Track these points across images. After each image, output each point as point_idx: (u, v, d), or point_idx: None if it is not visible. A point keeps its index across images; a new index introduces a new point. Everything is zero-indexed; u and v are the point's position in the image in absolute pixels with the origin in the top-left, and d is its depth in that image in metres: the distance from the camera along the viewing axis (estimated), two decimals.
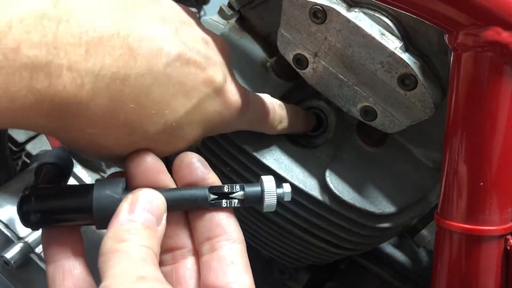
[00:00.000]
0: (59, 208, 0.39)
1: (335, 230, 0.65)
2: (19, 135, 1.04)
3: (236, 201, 0.42)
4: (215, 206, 0.41)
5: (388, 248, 0.87)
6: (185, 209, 0.42)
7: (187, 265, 0.43)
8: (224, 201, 0.41)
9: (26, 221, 0.39)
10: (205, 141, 0.66)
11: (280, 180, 0.63)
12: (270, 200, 0.42)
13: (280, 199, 0.43)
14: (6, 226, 0.77)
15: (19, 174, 0.92)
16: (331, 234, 0.66)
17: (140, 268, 0.35)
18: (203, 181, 0.42)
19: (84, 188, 0.39)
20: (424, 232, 0.67)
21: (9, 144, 0.98)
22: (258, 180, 0.44)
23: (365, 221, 0.62)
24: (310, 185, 0.62)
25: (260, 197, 0.42)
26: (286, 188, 0.43)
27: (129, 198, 0.39)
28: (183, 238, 0.43)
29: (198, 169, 0.42)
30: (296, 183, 0.62)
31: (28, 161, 1.04)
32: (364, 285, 0.92)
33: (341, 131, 0.65)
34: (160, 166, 0.42)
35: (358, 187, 0.62)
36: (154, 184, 0.41)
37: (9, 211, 0.79)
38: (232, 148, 0.64)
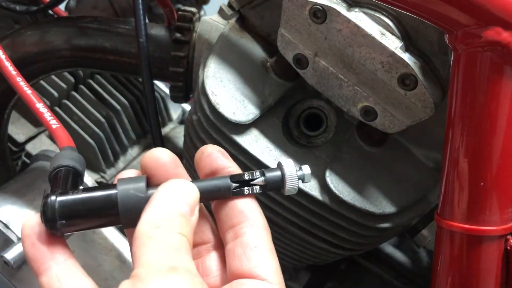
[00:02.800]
0: (84, 213, 0.38)
1: (335, 230, 0.65)
2: (19, 135, 1.04)
3: (258, 187, 0.42)
4: (238, 194, 0.41)
5: (388, 248, 0.87)
6: (209, 200, 0.42)
7: (212, 257, 0.43)
8: (246, 188, 0.41)
9: (52, 228, 0.38)
10: (205, 140, 0.66)
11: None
12: (291, 183, 0.42)
13: (301, 180, 0.43)
14: (6, 226, 0.77)
15: (19, 174, 0.92)
16: (331, 234, 0.66)
17: (173, 258, 0.35)
18: (223, 171, 0.42)
19: (107, 189, 0.39)
20: (424, 232, 0.67)
21: (9, 144, 0.98)
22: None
23: (365, 221, 0.62)
24: (310, 185, 0.62)
25: (281, 181, 0.42)
26: (306, 170, 0.43)
27: (164, 187, 0.39)
28: (207, 234, 0.43)
29: (219, 158, 0.42)
30: None
31: (28, 161, 1.04)
32: (364, 285, 0.91)
33: (341, 131, 0.65)
34: (178, 161, 0.42)
35: (358, 187, 0.62)
36: (174, 177, 0.41)
37: (9, 211, 0.79)
38: (232, 148, 0.64)
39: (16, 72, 0.60)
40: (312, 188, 0.62)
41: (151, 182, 0.41)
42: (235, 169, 0.43)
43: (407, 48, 0.53)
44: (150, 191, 0.39)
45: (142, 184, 0.39)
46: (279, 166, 0.43)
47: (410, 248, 0.88)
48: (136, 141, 1.11)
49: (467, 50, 0.45)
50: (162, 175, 0.41)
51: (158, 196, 0.38)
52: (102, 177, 1.02)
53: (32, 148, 1.05)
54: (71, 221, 0.38)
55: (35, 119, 1.06)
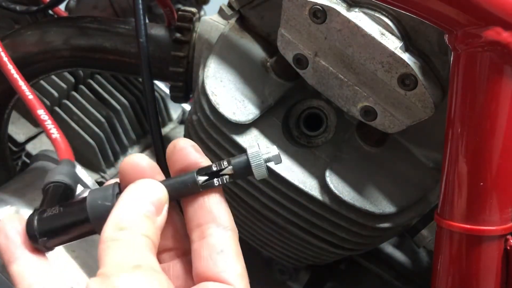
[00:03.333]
0: (61, 228, 0.41)
1: (335, 230, 0.65)
2: (19, 135, 1.04)
3: (227, 176, 0.41)
4: (208, 188, 0.41)
5: (388, 248, 0.87)
6: (179, 197, 0.42)
7: (180, 261, 0.43)
8: (215, 180, 0.41)
9: (36, 244, 0.41)
10: (205, 140, 0.66)
11: (280, 180, 0.63)
12: (258, 166, 0.41)
13: (269, 162, 0.42)
14: None
15: (19, 174, 0.92)
16: (331, 234, 0.66)
17: (137, 257, 0.35)
18: (196, 166, 0.42)
19: (80, 202, 0.41)
20: (424, 232, 0.67)
21: (9, 144, 0.98)
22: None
23: (365, 221, 0.62)
24: (310, 185, 0.62)
25: (248, 166, 0.41)
26: (273, 150, 0.42)
27: (130, 188, 0.39)
28: (181, 240, 0.43)
29: (191, 153, 0.42)
30: (296, 183, 0.62)
31: (28, 161, 1.04)
32: (364, 285, 0.91)
33: (341, 131, 0.65)
34: (156, 167, 0.42)
35: (358, 187, 0.62)
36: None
37: (9, 211, 0.79)
38: (232, 148, 0.64)
39: (18, 76, 0.60)
40: (312, 188, 0.62)
41: (125, 185, 0.41)
42: (207, 164, 0.42)
43: (407, 48, 0.53)
44: (118, 197, 0.40)
45: (109, 192, 0.41)
46: (245, 152, 0.42)
47: (410, 248, 0.87)
48: (136, 141, 1.11)
49: (467, 50, 0.45)
50: (134, 177, 0.41)
51: (123, 198, 0.39)
52: (102, 177, 1.02)
53: (32, 148, 1.04)
54: (51, 236, 0.41)
55: (35, 119, 1.06)
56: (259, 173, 0.41)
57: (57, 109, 1.04)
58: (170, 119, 1.21)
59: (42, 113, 0.54)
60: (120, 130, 1.07)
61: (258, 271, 0.90)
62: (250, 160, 0.41)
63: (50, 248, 0.42)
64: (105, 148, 1.03)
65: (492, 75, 0.44)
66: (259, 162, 0.41)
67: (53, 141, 0.52)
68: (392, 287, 0.87)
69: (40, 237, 0.40)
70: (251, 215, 0.70)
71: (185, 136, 0.75)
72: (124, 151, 1.08)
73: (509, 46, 0.43)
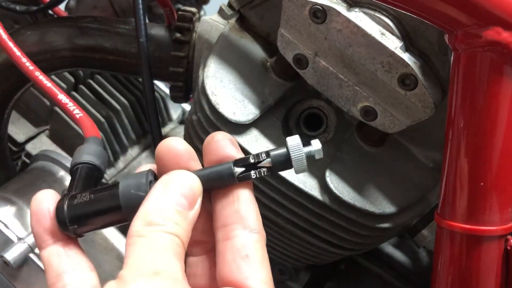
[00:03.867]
0: (92, 215, 0.40)
1: (335, 230, 0.65)
2: (19, 135, 1.04)
3: (265, 169, 0.39)
4: (245, 180, 0.39)
5: (388, 248, 0.87)
6: (211, 188, 0.40)
7: (206, 257, 0.42)
8: (252, 172, 0.39)
9: (65, 230, 0.40)
10: None
11: (280, 180, 0.63)
12: (298, 160, 0.39)
13: (310, 157, 0.40)
14: (6, 226, 0.77)
15: (19, 174, 0.92)
16: (331, 234, 0.66)
17: (159, 261, 0.34)
18: (230, 159, 0.40)
19: (112, 188, 0.39)
20: (424, 232, 0.67)
21: (9, 144, 0.98)
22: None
23: (365, 221, 0.62)
24: (310, 185, 0.62)
25: (287, 159, 0.39)
26: (316, 144, 0.40)
27: (163, 179, 0.38)
28: (211, 234, 0.41)
29: (226, 146, 0.40)
30: (296, 183, 0.62)
31: (28, 161, 1.04)
32: (364, 285, 0.91)
33: (341, 131, 0.65)
34: (193, 153, 0.40)
35: (358, 187, 0.62)
36: (186, 169, 0.39)
37: (9, 211, 0.79)
38: None
39: (34, 67, 0.61)
40: (312, 188, 0.62)
41: (162, 174, 0.40)
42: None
43: (407, 48, 0.53)
44: (152, 186, 0.39)
45: (143, 181, 0.39)
46: (286, 145, 0.40)
47: (410, 248, 0.87)
48: (136, 141, 1.11)
49: (467, 50, 0.45)
50: (173, 167, 0.40)
51: (154, 190, 0.37)
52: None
53: (32, 148, 1.04)
54: (81, 224, 0.40)
55: (35, 119, 1.06)
56: (299, 167, 0.39)
57: (57, 109, 1.04)
58: (170, 119, 1.21)
59: (63, 98, 0.54)
60: (120, 130, 1.07)
61: None
62: (291, 153, 0.39)
63: (80, 235, 0.41)
64: (105, 148, 1.03)
65: (492, 75, 0.44)
66: (300, 155, 0.39)
67: (78, 121, 0.52)
68: (392, 287, 0.87)
69: (71, 225, 0.39)
70: None
71: (185, 136, 0.75)
72: (124, 151, 1.08)
73: (509, 46, 0.43)
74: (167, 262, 0.35)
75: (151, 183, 0.39)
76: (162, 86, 1.22)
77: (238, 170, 0.39)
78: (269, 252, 0.80)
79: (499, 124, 0.45)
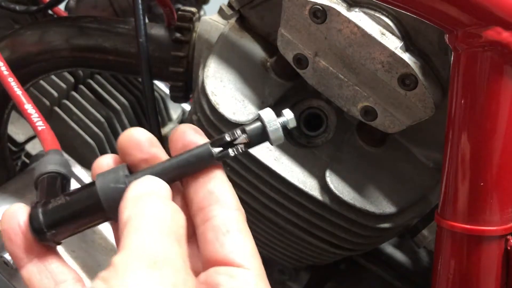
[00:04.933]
0: (70, 217, 0.38)
1: (335, 230, 0.65)
2: (19, 135, 1.04)
3: (242, 145, 0.39)
4: (223, 158, 0.39)
5: (388, 248, 0.87)
6: (191, 173, 0.39)
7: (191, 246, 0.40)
8: (230, 150, 0.39)
9: (42, 240, 0.38)
10: None
11: (280, 180, 0.63)
12: (275, 131, 0.39)
13: (285, 127, 0.40)
14: None
15: (19, 174, 0.92)
16: (331, 234, 0.66)
17: (159, 247, 0.32)
18: (194, 145, 0.40)
19: (87, 187, 0.38)
20: (424, 232, 0.67)
21: (9, 144, 0.98)
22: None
23: (365, 221, 0.62)
24: (310, 185, 0.62)
25: (263, 132, 0.39)
26: (288, 114, 0.40)
27: (132, 189, 0.37)
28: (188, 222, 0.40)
29: (190, 133, 0.40)
30: (296, 183, 0.62)
31: (27, 161, 1.04)
32: (364, 285, 0.91)
33: (341, 131, 0.65)
34: (154, 140, 0.40)
35: (358, 187, 0.62)
36: (150, 158, 0.39)
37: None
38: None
39: (8, 73, 0.60)
40: (312, 188, 0.62)
41: (129, 164, 0.39)
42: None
43: (407, 48, 0.53)
44: (130, 178, 0.38)
45: (120, 174, 0.38)
46: (259, 118, 0.40)
47: (410, 248, 0.87)
48: None
49: (467, 50, 0.45)
50: (137, 155, 0.39)
51: (138, 176, 0.37)
52: None
53: (32, 148, 1.04)
54: (60, 228, 0.38)
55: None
56: (276, 139, 0.39)
57: (56, 109, 1.04)
58: (170, 119, 1.21)
59: (29, 108, 0.54)
60: (120, 130, 1.07)
61: None
62: (267, 125, 0.39)
63: (59, 242, 0.39)
64: (105, 148, 1.03)
65: (492, 75, 0.44)
66: (276, 126, 0.39)
67: (39, 133, 0.52)
68: (392, 287, 0.87)
69: (48, 231, 0.37)
70: (251, 215, 0.70)
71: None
72: None
73: (509, 46, 0.43)
74: (168, 248, 0.33)
75: (127, 177, 0.38)
76: (162, 86, 1.22)
77: (216, 150, 0.39)
78: (269, 252, 0.80)
79: (499, 124, 0.45)
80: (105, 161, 0.41)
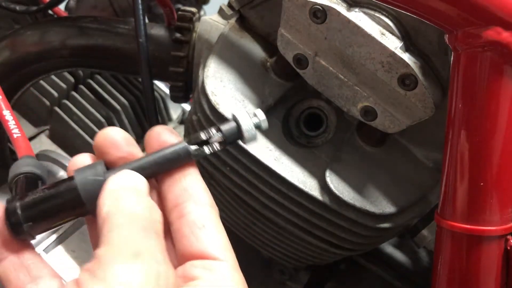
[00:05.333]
0: (48, 210, 0.38)
1: (335, 230, 0.65)
2: None
3: (217, 144, 0.41)
4: (200, 156, 0.40)
5: (388, 248, 0.87)
6: (167, 170, 0.40)
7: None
8: (205, 148, 0.40)
9: (19, 234, 0.37)
10: None
11: (280, 180, 0.63)
12: (248, 130, 0.41)
13: (258, 127, 0.42)
14: None
15: None
16: (331, 234, 0.66)
17: (140, 240, 0.33)
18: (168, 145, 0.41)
19: (66, 181, 0.38)
20: (424, 232, 0.67)
21: (9, 144, 0.98)
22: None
23: (365, 221, 0.62)
24: (310, 185, 0.62)
25: (238, 131, 0.41)
26: (260, 115, 0.42)
27: (110, 181, 0.37)
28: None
29: (166, 134, 0.41)
30: (296, 183, 0.62)
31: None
32: (364, 285, 0.91)
33: (341, 131, 0.65)
34: (130, 139, 0.41)
35: (358, 187, 0.62)
36: (127, 156, 0.40)
37: None
38: (232, 148, 0.64)
39: None
40: (312, 188, 0.62)
41: (107, 163, 0.40)
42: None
43: (407, 48, 0.53)
44: (108, 173, 0.38)
45: (99, 167, 0.38)
46: (233, 118, 0.41)
47: (410, 248, 0.87)
48: (136, 141, 1.11)
49: (467, 50, 0.45)
50: (114, 154, 0.40)
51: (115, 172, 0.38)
52: None
53: (32, 148, 1.04)
54: (37, 221, 0.38)
55: (35, 119, 1.06)
56: (250, 138, 0.41)
57: (57, 109, 1.04)
58: (170, 119, 1.21)
59: (7, 114, 0.54)
60: None
61: (258, 271, 0.90)
62: (241, 124, 0.41)
63: (34, 236, 0.39)
64: None
65: (492, 75, 0.44)
66: (250, 127, 0.41)
67: (14, 140, 0.52)
68: (392, 287, 0.87)
69: (25, 223, 0.37)
70: (251, 215, 0.70)
71: (184, 136, 0.75)
72: None
73: (509, 46, 0.43)
74: (148, 241, 0.34)
75: (105, 172, 0.38)
76: (162, 86, 1.22)
77: (192, 147, 0.40)
78: (269, 252, 0.80)
79: (499, 124, 0.45)
80: (81, 159, 0.41)
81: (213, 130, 0.41)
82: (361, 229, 0.64)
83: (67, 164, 0.88)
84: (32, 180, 0.44)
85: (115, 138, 0.40)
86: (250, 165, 0.63)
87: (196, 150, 0.40)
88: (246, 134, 0.41)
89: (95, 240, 0.40)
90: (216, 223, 0.39)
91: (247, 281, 0.39)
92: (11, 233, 0.38)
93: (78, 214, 0.39)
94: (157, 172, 0.40)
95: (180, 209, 0.39)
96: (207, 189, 0.41)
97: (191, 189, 0.40)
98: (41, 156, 0.89)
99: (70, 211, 0.38)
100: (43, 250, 0.79)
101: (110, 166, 0.40)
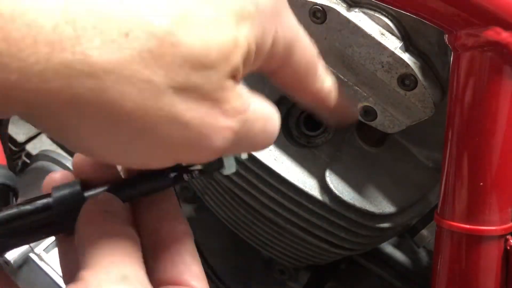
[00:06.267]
0: (21, 227, 0.37)
1: (335, 230, 0.65)
2: (19, 135, 1.04)
3: (197, 171, 0.41)
4: (178, 182, 0.40)
5: (388, 248, 0.87)
6: (146, 195, 0.40)
7: None
8: (184, 175, 0.40)
9: None
10: None
11: (280, 179, 0.63)
12: (229, 162, 0.41)
13: (238, 158, 0.42)
14: None
15: (19, 174, 0.92)
16: (331, 234, 0.66)
17: (125, 263, 0.33)
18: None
19: (42, 198, 0.37)
20: (424, 232, 0.67)
21: (9, 144, 0.98)
22: None
23: (365, 221, 0.62)
24: (310, 185, 0.62)
25: (219, 161, 0.41)
26: None
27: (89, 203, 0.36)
28: None
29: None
30: (296, 183, 0.62)
31: (28, 161, 1.04)
32: (364, 285, 0.92)
33: (341, 131, 0.65)
34: None
35: (358, 187, 0.62)
36: (106, 177, 0.39)
37: None
38: None
39: None
40: (312, 188, 0.62)
41: (86, 182, 0.39)
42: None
43: (407, 48, 0.53)
44: (87, 193, 0.37)
45: (77, 188, 0.37)
46: None
47: (410, 248, 0.88)
48: None
49: (467, 50, 0.45)
50: (92, 174, 0.39)
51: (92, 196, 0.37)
52: None
53: (32, 148, 1.05)
54: (9, 238, 0.36)
55: None
56: (229, 169, 0.41)
57: None
58: None
59: None
60: None
61: (258, 271, 0.90)
62: (223, 158, 0.41)
63: (2, 254, 0.38)
64: None
65: (492, 75, 0.44)
66: (230, 159, 0.41)
67: None
68: (392, 287, 0.87)
69: None
70: (251, 215, 0.70)
71: None
72: None
73: (509, 46, 0.43)
74: (133, 264, 0.34)
75: (84, 192, 0.38)
76: None
77: (172, 174, 0.40)
78: (269, 252, 0.80)
79: (499, 124, 0.45)
80: (60, 176, 0.40)
81: None
82: (361, 229, 0.64)
83: (67, 164, 0.89)
84: (3, 193, 0.43)
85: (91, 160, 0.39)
86: (250, 165, 0.63)
87: (175, 176, 0.40)
88: (226, 165, 0.41)
89: (66, 259, 0.40)
90: (193, 251, 0.39)
91: (247, 281, 0.39)
92: None
93: (51, 233, 0.38)
94: (134, 196, 0.39)
95: (156, 234, 0.39)
96: (183, 215, 0.40)
97: (167, 214, 0.39)
98: (41, 156, 0.90)
99: (44, 229, 0.37)
100: (43, 250, 0.79)
101: (88, 186, 0.39)
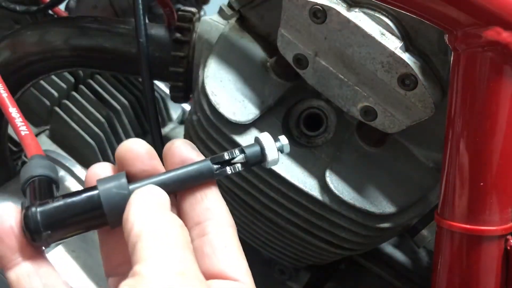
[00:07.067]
0: (68, 219, 0.37)
1: (335, 230, 0.65)
2: None
3: (239, 165, 0.41)
4: (221, 176, 0.41)
5: (388, 248, 0.87)
6: (189, 187, 0.40)
7: None
8: (227, 168, 0.41)
9: (37, 241, 0.36)
10: (205, 141, 0.66)
11: (280, 179, 0.63)
12: (272, 155, 0.42)
13: (280, 151, 0.43)
14: None
15: (19, 174, 0.92)
16: (331, 234, 0.66)
17: (180, 260, 0.33)
18: (191, 161, 0.40)
19: (88, 191, 0.38)
20: (424, 232, 0.67)
21: (9, 144, 0.98)
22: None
23: (365, 221, 0.62)
24: (310, 185, 0.62)
25: (261, 155, 0.42)
26: (283, 140, 0.43)
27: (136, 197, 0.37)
28: None
29: (187, 149, 0.41)
30: (296, 183, 0.62)
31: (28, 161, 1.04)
32: (364, 285, 0.91)
33: (341, 131, 0.65)
34: (153, 152, 0.40)
35: (358, 187, 0.62)
36: (149, 170, 0.39)
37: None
38: (233, 147, 0.64)
39: None
40: (312, 188, 0.62)
41: (129, 175, 0.39)
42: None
43: (407, 48, 0.53)
44: (132, 186, 0.38)
45: (124, 180, 0.38)
46: (257, 141, 0.42)
47: (410, 248, 0.88)
48: None
49: (467, 50, 0.45)
50: (137, 167, 0.39)
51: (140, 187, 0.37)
52: None
53: None
54: (57, 230, 0.37)
55: (35, 119, 1.06)
56: (272, 162, 0.42)
57: (57, 109, 1.04)
58: (170, 119, 1.21)
59: (13, 111, 0.53)
60: (120, 130, 1.07)
61: (258, 271, 0.90)
62: (266, 150, 0.42)
63: (49, 244, 0.38)
64: (105, 148, 1.04)
65: (492, 75, 0.44)
66: (273, 152, 0.42)
67: (22, 138, 0.50)
68: (392, 287, 0.87)
69: (44, 230, 0.36)
70: (251, 215, 0.70)
71: (185, 136, 0.75)
72: None
73: (509, 46, 0.43)
74: (189, 261, 0.33)
75: (129, 185, 0.38)
76: (162, 86, 1.22)
77: (215, 166, 0.40)
78: (269, 252, 0.80)
79: (499, 124, 0.45)
80: (101, 169, 0.40)
81: (236, 151, 0.41)
82: (361, 229, 0.64)
83: (67, 164, 0.88)
84: (46, 184, 0.43)
85: (139, 151, 0.39)
86: None
87: (218, 169, 0.40)
88: (269, 158, 0.42)
89: (107, 252, 0.40)
90: (237, 245, 0.39)
91: None
92: (28, 239, 0.37)
93: (97, 226, 0.38)
94: (179, 188, 0.40)
95: (201, 227, 0.39)
96: (228, 208, 0.41)
97: (213, 208, 0.40)
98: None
99: (90, 222, 0.38)
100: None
101: (132, 179, 0.39)
